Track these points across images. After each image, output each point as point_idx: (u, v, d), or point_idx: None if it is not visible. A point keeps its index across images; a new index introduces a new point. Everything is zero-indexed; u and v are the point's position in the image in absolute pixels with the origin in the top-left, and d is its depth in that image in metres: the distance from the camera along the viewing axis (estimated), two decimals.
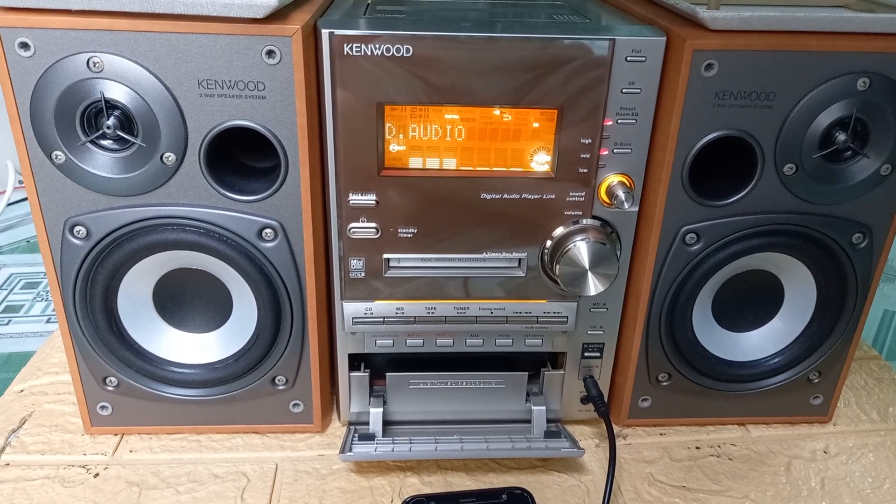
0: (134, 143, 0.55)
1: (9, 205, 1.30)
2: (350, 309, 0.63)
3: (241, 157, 0.61)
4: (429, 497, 0.61)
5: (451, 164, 0.58)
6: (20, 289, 1.13)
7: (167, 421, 0.67)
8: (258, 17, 0.51)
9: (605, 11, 0.65)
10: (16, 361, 0.94)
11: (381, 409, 0.67)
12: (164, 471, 0.64)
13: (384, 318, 0.63)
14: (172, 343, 0.65)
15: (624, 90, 0.55)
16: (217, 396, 0.65)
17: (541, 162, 0.58)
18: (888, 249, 0.63)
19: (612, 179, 0.58)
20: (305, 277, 0.61)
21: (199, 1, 0.50)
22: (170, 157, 0.55)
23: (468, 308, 0.63)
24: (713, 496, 0.63)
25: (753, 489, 0.64)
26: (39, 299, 1.10)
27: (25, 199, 0.58)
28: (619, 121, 0.56)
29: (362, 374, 0.67)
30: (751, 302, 0.67)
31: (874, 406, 0.75)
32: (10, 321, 1.05)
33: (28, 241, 1.26)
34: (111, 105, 0.53)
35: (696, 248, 0.61)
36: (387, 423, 0.68)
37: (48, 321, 1.05)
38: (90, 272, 0.59)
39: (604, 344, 0.67)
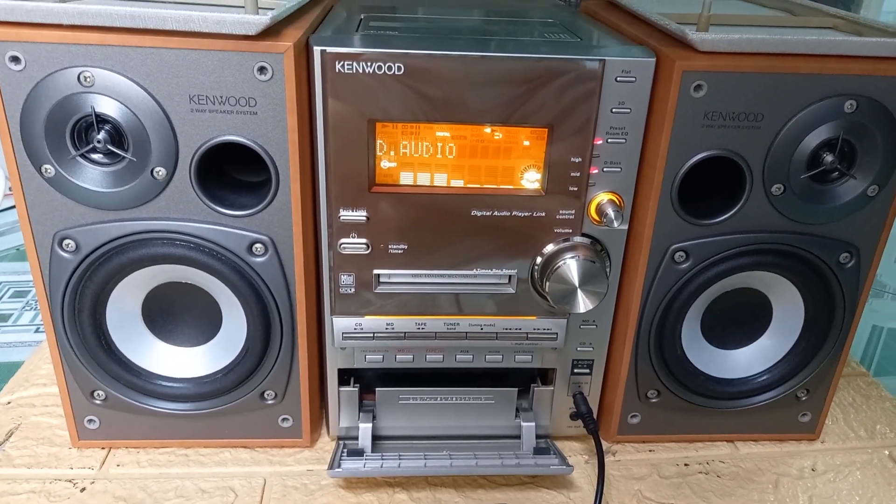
0: (124, 157, 0.55)
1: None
2: (340, 324, 0.63)
3: (232, 172, 0.61)
4: None
5: (441, 180, 0.58)
6: (9, 297, 1.12)
7: (155, 435, 0.66)
8: (250, 33, 0.51)
9: (596, 30, 0.66)
10: (4, 371, 0.94)
11: (370, 425, 0.66)
12: (151, 485, 0.63)
13: (374, 333, 0.63)
14: (161, 357, 0.64)
15: (614, 110, 0.56)
16: (206, 410, 0.65)
17: (531, 179, 0.58)
18: (875, 268, 0.63)
19: (602, 198, 0.59)
20: (295, 292, 0.61)
21: (191, 17, 0.51)
22: (160, 172, 0.55)
23: (458, 324, 0.63)
24: None
25: None
26: (28, 308, 1.09)
27: (15, 206, 0.57)
28: (609, 140, 0.57)
29: (352, 389, 0.67)
30: (739, 320, 0.67)
31: (862, 423, 0.75)
32: None
33: (18, 249, 1.25)
34: (102, 119, 0.53)
35: (685, 266, 0.61)
36: (376, 439, 0.67)
37: (37, 331, 1.05)
38: (79, 285, 0.59)
39: (593, 360, 0.67)
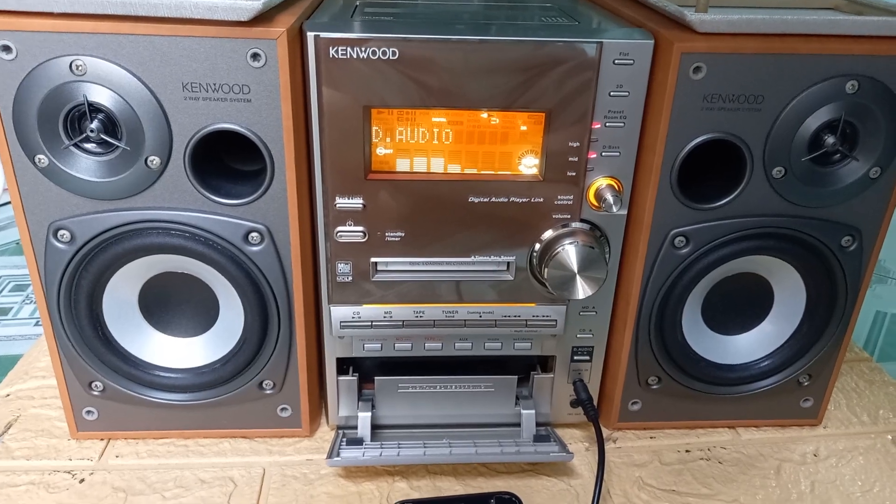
0: (118, 146, 0.54)
1: None
2: (337, 313, 0.62)
3: (227, 160, 0.61)
4: (417, 502, 0.61)
5: (438, 167, 0.58)
6: (9, 291, 1.12)
7: (154, 425, 0.66)
8: (242, 19, 0.51)
9: (594, 14, 0.65)
10: (4, 364, 0.94)
11: (369, 414, 0.66)
12: (150, 476, 0.63)
13: (372, 322, 0.63)
14: (159, 347, 0.64)
15: (612, 93, 0.55)
16: (204, 401, 0.65)
17: (529, 165, 0.58)
18: (878, 252, 0.63)
19: (601, 182, 0.58)
20: (292, 281, 0.60)
21: (182, 3, 0.50)
22: (154, 161, 0.55)
23: (457, 312, 0.63)
24: (703, 500, 0.63)
25: (743, 493, 0.64)
26: (28, 302, 1.09)
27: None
28: (608, 124, 0.56)
29: (350, 378, 0.66)
30: (741, 305, 0.66)
31: (865, 408, 0.75)
32: None
33: (17, 244, 1.25)
34: (94, 108, 0.53)
35: (685, 251, 0.61)
36: (376, 427, 0.67)
37: (37, 324, 1.05)
38: (75, 276, 0.58)
39: (593, 347, 0.66)
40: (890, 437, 0.71)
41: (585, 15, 0.64)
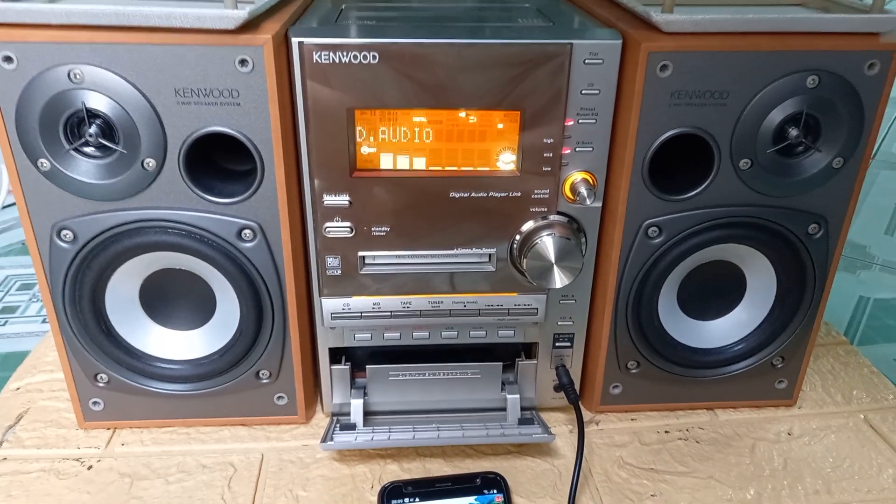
0: (115, 150, 0.57)
1: (4, 208, 1.33)
2: (328, 305, 0.65)
3: (219, 161, 0.64)
4: (407, 483, 0.64)
5: (420, 164, 0.61)
6: (16, 290, 1.16)
7: (157, 415, 0.70)
8: (230, 28, 0.53)
9: (568, 14, 0.67)
10: (13, 360, 0.97)
11: (361, 401, 0.69)
12: (154, 462, 0.67)
13: (361, 313, 0.66)
14: (159, 340, 0.67)
15: (583, 91, 0.58)
16: (204, 391, 0.68)
17: (506, 161, 0.61)
18: (843, 239, 0.65)
19: (576, 177, 0.61)
20: (284, 275, 0.63)
21: (173, 13, 0.53)
22: (150, 163, 0.58)
23: (442, 302, 0.66)
24: (679, 477, 0.66)
25: (718, 470, 0.67)
26: (35, 300, 1.13)
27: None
28: (580, 121, 0.59)
29: (343, 367, 0.69)
30: (715, 291, 0.69)
31: (839, 389, 0.78)
32: (6, 322, 1.08)
33: (23, 244, 1.28)
34: (92, 114, 0.56)
35: (658, 240, 0.63)
36: (368, 414, 0.70)
37: (43, 321, 1.08)
38: (78, 274, 0.62)
39: (574, 334, 0.69)
40: (863, 416, 0.74)
41: (560, 15, 0.67)
